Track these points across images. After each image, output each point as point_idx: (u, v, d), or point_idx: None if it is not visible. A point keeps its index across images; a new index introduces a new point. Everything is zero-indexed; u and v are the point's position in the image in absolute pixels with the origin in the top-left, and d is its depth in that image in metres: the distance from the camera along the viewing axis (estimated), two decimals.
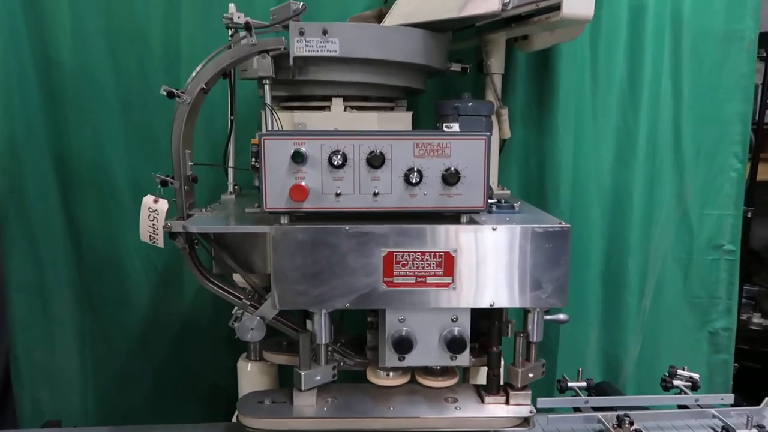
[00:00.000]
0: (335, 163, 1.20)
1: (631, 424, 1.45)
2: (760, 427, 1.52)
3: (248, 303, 1.37)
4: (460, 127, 1.24)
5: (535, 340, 1.36)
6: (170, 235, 1.30)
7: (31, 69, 1.90)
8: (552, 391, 1.99)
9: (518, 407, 1.38)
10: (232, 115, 1.56)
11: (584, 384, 1.67)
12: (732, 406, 1.66)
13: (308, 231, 1.24)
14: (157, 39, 1.91)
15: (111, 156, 1.96)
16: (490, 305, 1.29)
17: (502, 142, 1.87)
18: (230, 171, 1.62)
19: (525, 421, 1.38)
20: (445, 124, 1.25)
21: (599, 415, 1.53)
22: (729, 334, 2.20)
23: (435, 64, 1.54)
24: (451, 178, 1.21)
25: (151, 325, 2.09)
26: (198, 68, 1.34)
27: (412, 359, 1.34)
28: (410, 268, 1.26)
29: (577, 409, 1.65)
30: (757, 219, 2.60)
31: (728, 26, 2.00)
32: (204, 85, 1.33)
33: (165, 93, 1.29)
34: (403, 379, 1.46)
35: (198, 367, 2.12)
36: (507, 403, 1.39)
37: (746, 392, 1.87)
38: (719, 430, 1.53)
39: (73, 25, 1.87)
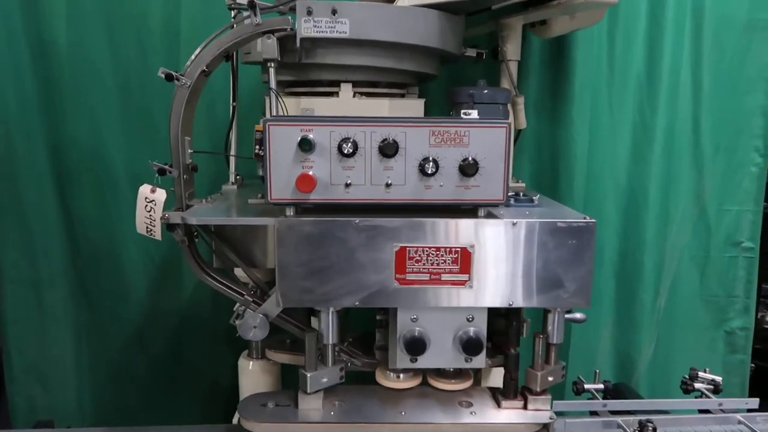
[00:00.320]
0: (345, 152, 1.15)
1: (654, 430, 1.38)
2: None
3: (250, 299, 1.33)
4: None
5: (555, 342, 1.32)
6: (168, 227, 1.27)
7: (24, 51, 1.85)
8: (563, 392, 1.95)
9: (537, 413, 1.32)
10: (234, 100, 1.53)
11: (601, 386, 1.60)
12: (758, 410, 1.59)
13: (315, 224, 1.19)
14: (157, 19, 1.87)
15: (108, 142, 1.92)
16: (509, 305, 1.23)
17: (517, 133, 1.82)
18: (232, 159, 1.58)
19: (544, 428, 1.32)
20: (462, 111, 1.19)
21: (620, 419, 1.46)
22: (746, 333, 2.17)
23: (450, 48, 1.48)
24: (469, 168, 1.16)
25: (148, 320, 2.05)
26: (198, 50, 1.29)
27: (424, 361, 1.29)
28: (424, 265, 1.20)
29: (593, 413, 1.58)
30: None
31: (751, 15, 1.96)
32: (205, 68, 1.29)
33: (163, 75, 1.25)
34: (414, 382, 1.40)
35: (197, 363, 2.09)
36: (525, 408, 1.34)
37: (762, 393, 1.81)
38: None
39: (69, 5, 1.83)
